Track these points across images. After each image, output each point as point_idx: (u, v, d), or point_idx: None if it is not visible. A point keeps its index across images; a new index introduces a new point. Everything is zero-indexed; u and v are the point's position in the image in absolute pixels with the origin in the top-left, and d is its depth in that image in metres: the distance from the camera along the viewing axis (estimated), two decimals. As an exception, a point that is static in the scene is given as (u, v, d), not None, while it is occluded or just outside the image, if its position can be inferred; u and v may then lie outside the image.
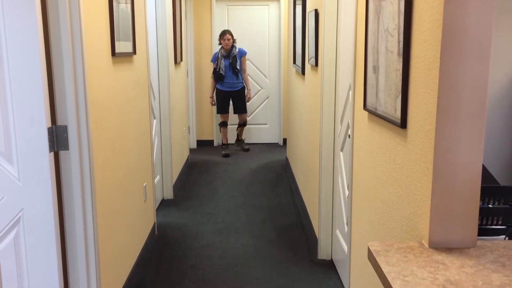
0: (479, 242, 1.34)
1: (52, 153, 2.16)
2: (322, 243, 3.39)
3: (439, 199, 1.31)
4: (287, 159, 6.13)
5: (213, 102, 6.63)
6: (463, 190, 1.30)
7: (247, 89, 6.66)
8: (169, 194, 4.83)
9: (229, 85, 6.48)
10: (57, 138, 2.19)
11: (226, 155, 6.60)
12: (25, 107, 2.08)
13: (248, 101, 6.72)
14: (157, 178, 4.57)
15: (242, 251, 3.58)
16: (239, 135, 6.90)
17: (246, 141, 7.09)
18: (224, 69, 6.39)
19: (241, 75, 6.53)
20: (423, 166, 1.38)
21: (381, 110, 1.78)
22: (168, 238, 3.85)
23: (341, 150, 3.06)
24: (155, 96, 4.45)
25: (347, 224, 2.87)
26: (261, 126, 7.51)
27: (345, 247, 2.94)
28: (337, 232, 3.19)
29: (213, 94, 6.60)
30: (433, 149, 1.31)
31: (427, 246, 1.33)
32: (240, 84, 6.57)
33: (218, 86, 6.53)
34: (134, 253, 3.20)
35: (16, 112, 2.08)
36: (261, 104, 7.43)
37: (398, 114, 1.56)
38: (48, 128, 2.11)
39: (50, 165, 2.13)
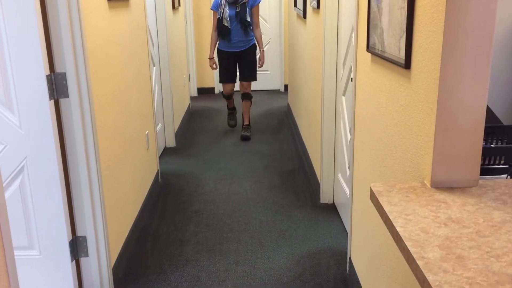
0: (481, 181, 1.35)
1: (52, 101, 2.15)
2: (324, 187, 3.43)
3: (442, 139, 1.31)
4: (288, 106, 6.10)
5: (215, 65, 5.05)
6: (466, 129, 1.30)
7: (260, 49, 4.98)
8: (171, 142, 4.85)
9: (235, 44, 4.86)
10: (56, 86, 2.16)
11: (232, 125, 5.29)
12: (22, 54, 2.04)
13: (260, 65, 5.05)
14: (159, 126, 4.57)
15: (245, 196, 3.63)
16: (244, 117, 5.17)
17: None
18: (229, 20, 4.76)
19: (251, 30, 4.87)
20: (426, 106, 1.37)
21: (384, 51, 1.74)
22: (172, 185, 3.89)
23: (343, 94, 3.03)
24: (153, 42, 4.37)
25: (349, 168, 2.89)
26: (262, 73, 7.42)
27: (347, 191, 2.98)
28: (339, 176, 3.22)
29: (213, 54, 5.01)
30: (437, 89, 1.29)
31: (429, 186, 1.34)
32: (250, 42, 4.91)
33: (221, 46, 4.92)
34: (138, 199, 3.25)
35: (13, 59, 2.05)
36: (261, 50, 7.32)
37: (402, 54, 1.53)
38: (47, 76, 2.09)
39: (51, 113, 2.13)
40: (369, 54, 2.03)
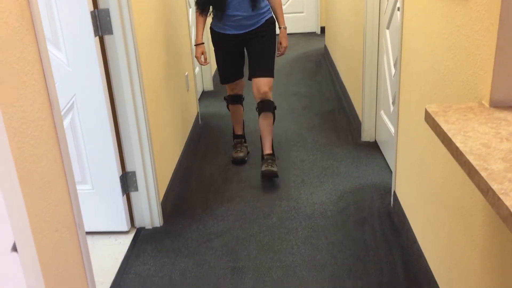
0: (542, 100, 1.30)
1: (97, 37, 2.17)
2: (366, 125, 3.39)
3: (503, 54, 1.25)
4: (325, 47, 5.98)
5: (204, 57, 3.00)
6: (531, 44, 1.24)
7: (280, 26, 2.99)
8: (209, 86, 4.86)
9: (238, 23, 2.86)
10: (101, 23, 2.17)
11: (239, 160, 3.19)
12: (66, -10, 2.04)
13: (281, 52, 3.03)
14: (197, 69, 4.57)
15: (285, 137, 3.64)
16: (264, 142, 3.05)
17: None
18: None
19: None
20: (486, 22, 1.31)
21: (438, -29, 1.65)
22: (212, 127, 3.94)
23: (387, 28, 2.93)
24: (189, -17, 4.30)
25: (393, 103, 2.84)
26: (297, 15, 7.24)
27: (391, 127, 2.94)
28: (382, 113, 3.17)
29: (202, 38, 2.99)
30: (500, 2, 1.22)
31: (487, 105, 1.30)
32: (264, 16, 2.91)
33: (216, 26, 2.94)
34: (181, 140, 3.31)
35: (57, -3, 2.06)
36: (296, -9, 7.10)
37: (460, -30, 1.45)
38: (91, 12, 2.10)
39: (97, 49, 2.15)
40: (420, -22, 1.94)
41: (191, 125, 3.69)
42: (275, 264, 2.20)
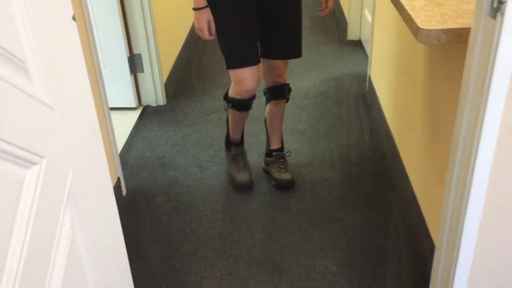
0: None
1: None
2: (351, 24, 3.67)
3: None
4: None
5: (209, 31, 1.84)
6: None
7: None
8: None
9: None
10: None
11: (246, 186, 2.18)
12: None
13: (326, 9, 1.97)
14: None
15: (277, 36, 3.92)
16: (272, 133, 2.27)
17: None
18: None
19: None
20: None
21: None
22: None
23: None
24: None
25: (374, -2, 3.11)
26: None
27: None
28: (366, 11, 3.44)
29: (205, 3, 1.80)
30: None
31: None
32: None
33: None
34: (183, 34, 3.60)
35: None
36: None
37: None
38: None
39: None
40: None
41: (191, 23, 3.95)
42: (262, 131, 2.59)
